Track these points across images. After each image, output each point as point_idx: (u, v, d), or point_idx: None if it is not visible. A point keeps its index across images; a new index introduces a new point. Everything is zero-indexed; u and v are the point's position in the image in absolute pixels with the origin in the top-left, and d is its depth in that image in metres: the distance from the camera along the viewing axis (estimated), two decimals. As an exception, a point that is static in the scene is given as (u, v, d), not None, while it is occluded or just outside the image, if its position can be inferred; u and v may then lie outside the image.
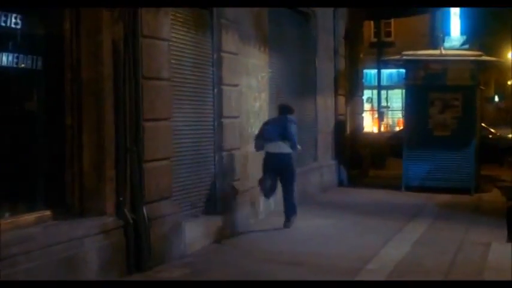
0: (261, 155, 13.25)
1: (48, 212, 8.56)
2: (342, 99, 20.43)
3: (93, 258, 8.52)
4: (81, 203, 9.00)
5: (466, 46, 38.88)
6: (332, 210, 15.29)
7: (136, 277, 9.12)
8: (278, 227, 13.01)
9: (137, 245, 9.25)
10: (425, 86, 18.52)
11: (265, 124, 13.20)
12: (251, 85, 13.67)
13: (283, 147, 12.79)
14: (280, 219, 13.22)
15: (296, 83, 16.64)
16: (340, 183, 19.78)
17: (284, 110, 13.37)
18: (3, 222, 7.75)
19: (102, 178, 9.04)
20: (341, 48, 20.18)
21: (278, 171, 13.00)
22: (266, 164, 12.95)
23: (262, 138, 12.87)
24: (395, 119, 41.70)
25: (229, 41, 12.48)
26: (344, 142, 20.53)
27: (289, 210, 13.17)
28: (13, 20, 8.17)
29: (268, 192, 13.22)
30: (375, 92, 34.56)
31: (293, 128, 12.94)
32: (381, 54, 28.58)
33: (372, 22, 31.25)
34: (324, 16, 18.49)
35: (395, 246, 11.48)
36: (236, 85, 12.77)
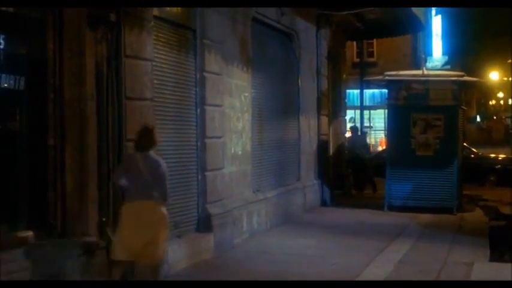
0: (244, 174, 13.28)
1: (30, 233, 8.50)
2: (324, 119, 20.46)
3: (76, 279, 8.47)
4: (64, 223, 8.96)
5: (448, 66, 39.12)
6: (315, 230, 15.27)
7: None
8: (261, 247, 12.99)
9: (120, 266, 9.20)
10: (408, 106, 18.58)
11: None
12: (234, 105, 13.69)
13: None
14: (264, 239, 13.21)
15: (279, 103, 16.67)
16: (323, 203, 19.77)
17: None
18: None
19: (84, 199, 9.02)
20: (324, 68, 20.23)
21: None
22: None
23: None
24: (378, 139, 41.78)
25: (212, 61, 12.50)
26: (327, 162, 20.55)
27: None
28: (-4, 40, 8.17)
29: None
30: (358, 112, 34.61)
31: None
32: (363, 75, 28.58)
33: (354, 42, 31.33)
34: (307, 36, 18.55)
35: (378, 266, 11.48)
36: (219, 105, 12.79)
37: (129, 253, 8.29)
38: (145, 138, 8.58)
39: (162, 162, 8.64)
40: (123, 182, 8.55)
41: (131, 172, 8.51)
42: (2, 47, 8.26)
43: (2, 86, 8.35)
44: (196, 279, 10.34)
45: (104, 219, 9.17)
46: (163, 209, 8.55)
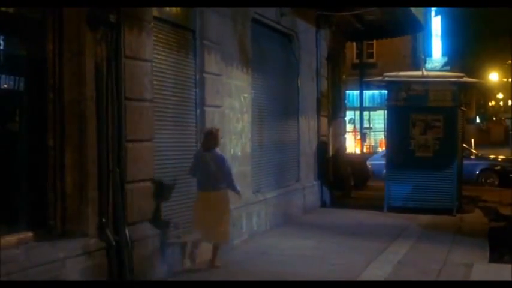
0: (243, 175, 13.29)
1: (30, 234, 8.50)
2: (324, 120, 20.47)
3: (75, 279, 8.47)
4: (63, 224, 8.95)
5: (448, 67, 39.14)
6: (315, 231, 15.27)
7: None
8: (261, 248, 13.00)
9: (120, 267, 9.21)
10: (407, 107, 18.59)
11: None
12: (234, 106, 13.69)
13: None
14: (264, 240, 13.21)
15: (278, 104, 16.67)
16: (323, 204, 19.77)
17: None
18: (-16, 243, 7.72)
19: (84, 199, 9.01)
20: (323, 69, 20.24)
21: None
22: None
23: None
24: (378, 140, 41.80)
25: (212, 62, 12.50)
26: (327, 163, 20.56)
27: None
28: (-5, 41, 8.17)
29: None
30: (357, 113, 34.65)
31: None
32: (363, 76, 28.66)
33: (354, 43, 31.35)
34: (307, 37, 18.56)
35: (378, 267, 11.48)
36: (219, 106, 12.79)
37: (196, 236, 11.01)
38: (211, 140, 11.03)
39: (226, 158, 11.32)
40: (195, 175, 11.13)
41: (201, 167, 11.01)
42: (1, 47, 8.27)
43: (2, 87, 8.36)
44: (196, 279, 10.34)
45: (103, 220, 9.16)
46: (227, 198, 11.20)
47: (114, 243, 9.17)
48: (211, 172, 10.98)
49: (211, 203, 11.03)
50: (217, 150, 11.16)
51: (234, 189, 11.32)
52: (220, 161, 11.05)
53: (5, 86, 8.40)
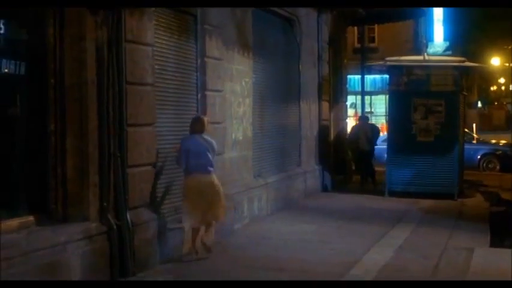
0: (244, 160, 13.28)
1: (31, 218, 8.52)
2: (325, 105, 20.44)
3: (76, 264, 8.50)
4: (65, 208, 8.97)
5: (449, 52, 39.02)
6: (316, 215, 15.29)
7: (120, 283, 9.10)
8: (262, 232, 13.02)
9: (121, 251, 9.24)
10: (409, 92, 18.57)
11: None
12: (235, 90, 13.68)
13: None
14: (265, 224, 13.24)
15: (280, 89, 16.65)
16: (324, 189, 19.78)
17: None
18: (-15, 228, 7.73)
19: (85, 184, 9.02)
20: (325, 53, 20.20)
21: None
22: None
23: None
24: (379, 125, 41.76)
25: (213, 47, 12.48)
26: (328, 148, 20.56)
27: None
28: (-4, 25, 8.16)
29: None
30: (359, 97, 34.51)
31: None
32: (364, 60, 28.53)
33: (355, 28, 31.25)
34: (308, 22, 18.51)
35: (378, 252, 11.50)
36: (220, 90, 12.78)
37: (195, 221, 10.74)
38: (199, 124, 10.83)
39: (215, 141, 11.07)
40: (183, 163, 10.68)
41: (192, 150, 10.63)
42: (2, 32, 8.25)
43: (3, 72, 8.34)
44: (197, 265, 10.35)
45: (104, 204, 9.18)
46: (218, 180, 10.96)
47: (115, 227, 9.19)
48: (203, 154, 10.73)
49: (204, 186, 10.75)
50: (207, 136, 10.99)
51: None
52: (212, 146, 10.90)
53: (6, 70, 8.38)
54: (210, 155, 10.81)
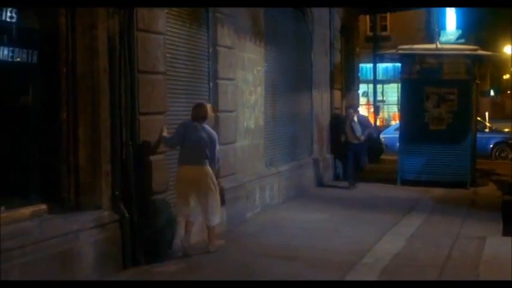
0: (256, 148, 13.30)
1: (43, 206, 8.55)
2: (337, 93, 20.42)
3: (89, 252, 8.53)
4: (77, 197, 8.99)
5: (462, 40, 38.86)
6: (327, 204, 15.29)
7: (132, 271, 9.12)
8: (273, 221, 13.04)
9: (133, 239, 9.26)
10: (421, 80, 18.53)
11: None
12: (247, 79, 13.67)
13: None
14: (276, 213, 13.27)
15: (292, 77, 16.63)
16: (336, 177, 19.78)
17: None
18: (-2, 216, 7.76)
19: (97, 172, 9.04)
20: (337, 42, 20.17)
21: None
22: None
23: None
24: (391, 113, 41.68)
25: (225, 35, 12.46)
26: (340, 136, 20.50)
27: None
28: (8, 14, 8.15)
29: None
30: (371, 86, 34.47)
31: None
32: (376, 48, 28.46)
33: (367, 16, 31.19)
34: (320, 10, 18.46)
35: (390, 241, 11.49)
36: (232, 79, 12.77)
37: (185, 215, 10.27)
38: (201, 111, 10.28)
39: (215, 132, 10.48)
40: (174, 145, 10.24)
41: (189, 138, 10.15)
42: (14, 21, 8.26)
43: (15, 60, 8.35)
44: (209, 253, 10.36)
45: (116, 192, 9.20)
46: (212, 173, 10.31)
47: (127, 215, 9.21)
48: (200, 145, 10.17)
49: (196, 179, 10.18)
50: (208, 126, 10.40)
51: (213, 165, 10.45)
52: (214, 139, 10.31)
53: (18, 59, 8.39)
54: (207, 148, 10.22)
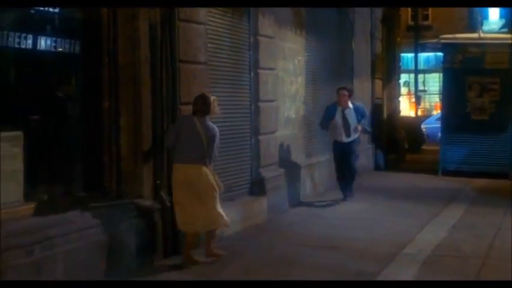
0: (296, 138, 13.30)
1: (86, 195, 8.62)
2: (378, 83, 20.33)
3: (130, 241, 8.58)
4: (119, 186, 9.04)
5: (505, 30, 38.42)
6: (369, 194, 15.23)
7: (174, 260, 9.16)
8: (314, 211, 13.03)
9: (174, 228, 9.29)
10: (463, 70, 18.39)
11: None
12: (287, 69, 13.66)
13: None
14: (316, 203, 13.26)
15: (333, 67, 16.57)
16: (377, 168, 19.71)
17: None
18: (40, 205, 7.84)
19: (139, 161, 9.08)
20: (378, 31, 20.07)
21: None
22: None
23: None
24: (433, 103, 41.38)
25: (266, 25, 12.45)
26: (381, 126, 20.43)
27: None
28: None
29: None
30: (412, 75, 34.32)
31: None
32: (418, 38, 28.33)
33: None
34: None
35: (431, 231, 11.43)
36: (273, 69, 12.75)
37: (190, 225, 9.08)
38: (201, 104, 9.14)
39: (216, 128, 9.21)
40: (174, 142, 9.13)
41: (187, 134, 9.07)
42: (57, 10, 8.33)
43: (58, 50, 8.42)
44: (249, 242, 10.39)
45: (158, 181, 9.24)
46: (211, 173, 9.15)
47: (169, 204, 9.25)
48: (194, 142, 9.00)
49: (191, 179, 8.99)
50: (210, 122, 9.21)
51: (209, 160, 9.14)
52: (211, 135, 9.07)
53: (61, 49, 8.46)
54: (203, 145, 9.02)
